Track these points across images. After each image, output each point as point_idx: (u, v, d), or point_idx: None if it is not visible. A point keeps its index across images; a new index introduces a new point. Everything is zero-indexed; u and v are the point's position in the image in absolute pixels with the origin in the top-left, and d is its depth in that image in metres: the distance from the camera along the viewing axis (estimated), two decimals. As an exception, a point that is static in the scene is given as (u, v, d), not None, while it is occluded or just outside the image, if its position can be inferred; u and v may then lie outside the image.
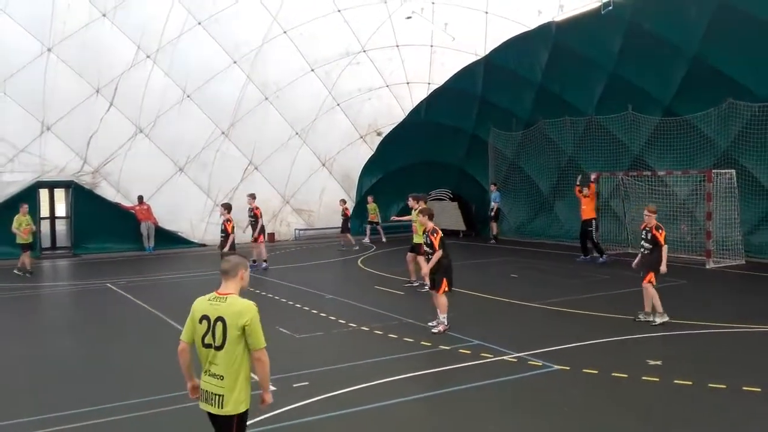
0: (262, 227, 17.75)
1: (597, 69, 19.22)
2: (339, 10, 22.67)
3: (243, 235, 19.05)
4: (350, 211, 23.42)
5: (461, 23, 22.11)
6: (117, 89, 21.24)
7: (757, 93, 16.18)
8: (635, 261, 10.87)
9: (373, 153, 25.75)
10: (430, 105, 24.25)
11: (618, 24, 17.40)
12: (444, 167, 25.69)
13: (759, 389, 7.10)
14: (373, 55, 24.26)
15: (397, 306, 12.04)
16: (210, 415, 4.44)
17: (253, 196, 17.83)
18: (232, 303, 4.36)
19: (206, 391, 4.39)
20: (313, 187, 25.52)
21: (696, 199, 17.74)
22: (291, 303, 12.64)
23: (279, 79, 23.50)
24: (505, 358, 8.53)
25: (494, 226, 23.27)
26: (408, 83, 25.30)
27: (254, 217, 17.46)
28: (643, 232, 10.54)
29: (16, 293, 14.84)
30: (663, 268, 10.19)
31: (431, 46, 24.01)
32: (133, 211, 22.23)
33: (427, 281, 10.54)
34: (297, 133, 24.65)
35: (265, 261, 17.39)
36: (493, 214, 23.22)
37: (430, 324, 10.17)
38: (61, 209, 23.49)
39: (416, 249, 13.31)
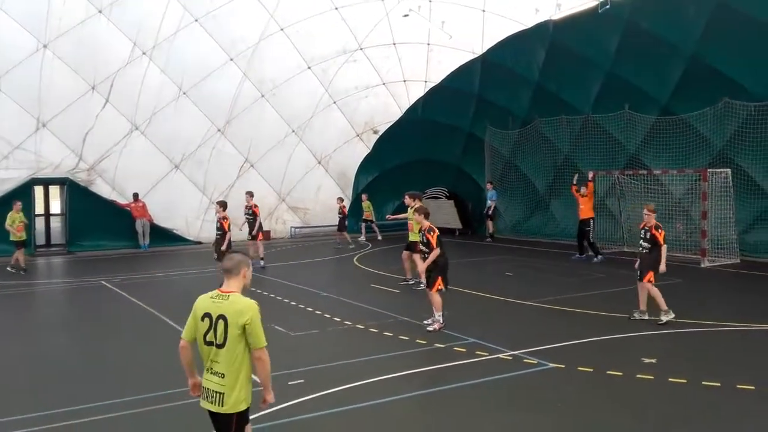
0: (260, 225, 17.75)
1: (594, 68, 19.23)
2: (336, 8, 22.62)
3: (239, 233, 19.00)
4: (347, 210, 23.40)
5: (458, 21, 22.10)
6: (113, 86, 21.18)
7: (753, 92, 16.21)
8: (637, 263, 10.63)
9: (369, 151, 25.72)
10: (426, 103, 24.23)
11: (615, 23, 17.41)
12: (440, 165, 25.68)
13: (753, 387, 7.12)
14: (370, 53, 24.22)
15: (392, 304, 12.04)
16: (210, 413, 4.44)
17: (251, 194, 17.80)
18: (234, 301, 4.37)
19: (207, 388, 4.40)
20: (309, 184, 25.49)
21: (691, 198, 17.78)
22: (286, 301, 12.63)
23: (275, 76, 23.45)
24: (500, 356, 8.54)
25: (490, 224, 23.29)
26: (405, 81, 25.28)
27: (252, 215, 17.41)
28: (642, 232, 10.45)
29: (10, 291, 14.78)
30: (662, 267, 10.15)
31: (428, 44, 24.00)
32: (128, 209, 22.17)
33: (423, 279, 10.54)
34: (293, 131, 24.61)
35: (262, 259, 17.36)
36: (490, 212, 23.25)
37: (425, 322, 10.17)
38: (56, 206, 23.43)
39: (412, 247, 13.31)
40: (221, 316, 4.31)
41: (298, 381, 7.53)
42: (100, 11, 20.16)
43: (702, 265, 15.89)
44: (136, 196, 22.23)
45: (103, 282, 15.53)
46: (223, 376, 4.32)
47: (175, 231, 23.10)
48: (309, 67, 23.85)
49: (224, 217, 14.35)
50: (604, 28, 17.82)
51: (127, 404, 6.99)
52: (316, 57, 23.72)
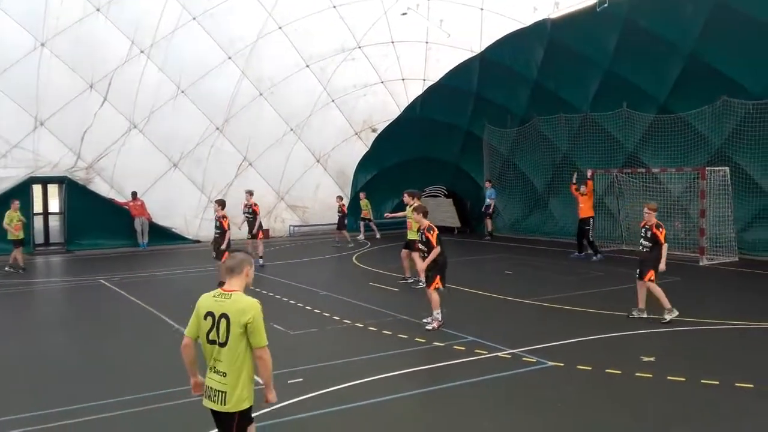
0: (260, 224, 17.74)
1: (592, 66, 19.23)
2: (334, 6, 22.61)
3: (239, 232, 18.97)
4: (347, 208, 23.39)
5: (457, 19, 22.11)
6: (111, 84, 21.15)
7: (751, 91, 16.22)
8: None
9: (368, 149, 25.72)
10: (425, 101, 24.22)
11: (614, 21, 17.41)
12: (439, 164, 25.68)
13: (752, 385, 7.13)
14: (368, 51, 24.22)
15: (391, 303, 12.04)
16: (213, 412, 4.45)
17: (251, 193, 17.80)
18: (236, 300, 4.38)
19: (210, 387, 4.41)
20: (307, 183, 25.49)
21: (690, 196, 17.79)
22: (285, 299, 12.62)
23: (274, 74, 23.43)
24: (499, 354, 8.54)
25: (489, 222, 23.30)
26: (403, 79, 25.27)
27: (253, 213, 17.40)
28: (643, 230, 10.39)
29: (9, 290, 14.76)
30: (662, 266, 10.13)
31: (426, 42, 24.00)
32: (126, 207, 22.16)
33: (422, 278, 10.54)
34: (292, 129, 24.60)
35: (261, 258, 17.35)
36: (491, 210, 23.25)
37: (424, 321, 10.17)
38: (54, 205, 23.41)
39: (411, 245, 13.31)
40: (224, 315, 4.33)
41: (298, 379, 7.54)
42: (97, 9, 20.13)
43: (700, 264, 15.91)
44: (134, 194, 22.21)
45: (101, 281, 15.52)
46: (225, 374, 4.32)
47: (173, 229, 23.09)
48: (307, 66, 23.83)
49: (224, 216, 14.32)
50: (602, 26, 17.82)
51: (126, 403, 6.98)
52: (314, 55, 23.71)
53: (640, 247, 10.49)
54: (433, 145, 25.07)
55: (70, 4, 19.64)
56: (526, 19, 19.87)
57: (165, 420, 6.64)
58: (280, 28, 22.59)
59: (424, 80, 24.64)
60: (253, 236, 17.46)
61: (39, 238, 22.12)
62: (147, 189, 22.52)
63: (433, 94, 23.80)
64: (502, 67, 21.42)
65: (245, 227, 17.61)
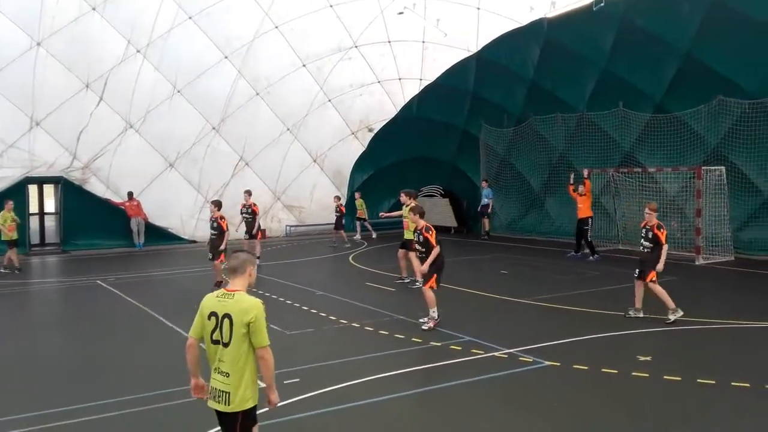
0: (259, 224, 17.73)
1: (588, 65, 19.26)
2: (331, 6, 22.56)
3: (236, 233, 18.93)
4: (344, 208, 23.37)
5: (453, 19, 22.08)
6: (107, 84, 21.07)
7: (747, 90, 16.26)
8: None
9: (364, 149, 25.70)
10: (421, 101, 24.22)
11: (610, 21, 17.43)
12: (435, 163, 25.68)
13: (748, 385, 7.15)
14: (364, 51, 24.18)
15: (388, 302, 12.04)
16: (218, 413, 4.45)
17: (249, 193, 17.79)
18: (239, 300, 4.40)
19: (214, 388, 4.42)
20: (304, 183, 25.44)
21: (686, 195, 17.83)
22: (282, 299, 12.61)
23: (270, 74, 23.39)
24: (495, 354, 8.54)
25: (486, 222, 23.31)
26: (400, 79, 25.24)
27: (252, 213, 17.39)
28: (643, 231, 10.35)
29: (4, 290, 14.71)
30: (660, 266, 10.10)
31: (423, 41, 23.96)
32: (122, 207, 22.11)
33: (419, 278, 10.54)
34: (288, 129, 24.56)
35: (258, 258, 17.31)
36: (489, 210, 23.26)
37: (421, 320, 10.17)
38: (50, 205, 23.31)
39: (407, 245, 13.30)
40: (226, 315, 4.35)
41: (294, 380, 7.53)
42: (93, 9, 20.05)
43: (696, 263, 15.94)
44: (130, 194, 22.15)
45: (97, 281, 15.48)
46: (228, 375, 4.34)
47: (169, 230, 23.03)
48: (304, 65, 23.79)
49: (221, 217, 14.28)
50: (598, 25, 17.85)
51: (123, 403, 6.97)
52: (310, 55, 23.67)
53: (641, 248, 10.45)
54: (430, 144, 25.07)
55: (66, 4, 19.55)
56: (523, 18, 19.88)
57: (165, 420, 6.63)
58: (276, 27, 22.54)
59: (421, 80, 24.62)
60: (252, 236, 17.44)
61: (35, 239, 22.04)
62: (143, 189, 22.46)
63: (429, 93, 23.80)
64: (498, 67, 21.43)
65: (242, 228, 17.59)
